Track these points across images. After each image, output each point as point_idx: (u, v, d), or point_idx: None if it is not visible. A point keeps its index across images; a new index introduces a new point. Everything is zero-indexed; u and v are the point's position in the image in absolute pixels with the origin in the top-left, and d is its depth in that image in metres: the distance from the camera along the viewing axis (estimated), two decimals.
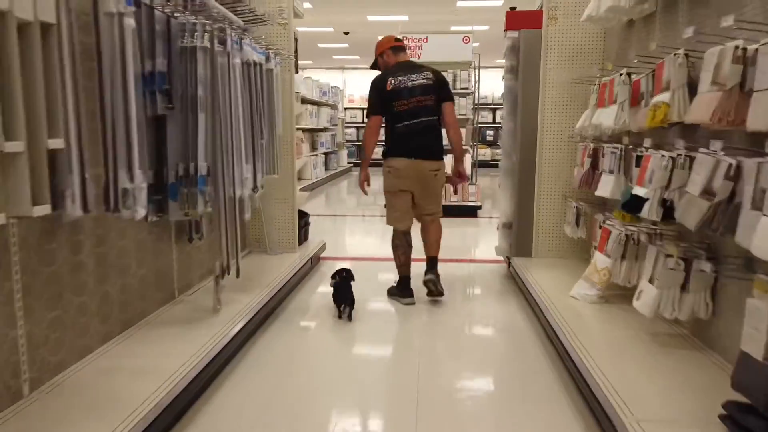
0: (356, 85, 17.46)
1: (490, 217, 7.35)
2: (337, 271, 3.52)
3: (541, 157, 3.99)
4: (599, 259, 3.03)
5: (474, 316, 3.65)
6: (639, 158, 2.60)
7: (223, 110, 2.76)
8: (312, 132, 10.89)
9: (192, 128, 2.59)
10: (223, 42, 2.76)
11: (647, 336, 2.58)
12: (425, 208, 3.62)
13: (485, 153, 14.46)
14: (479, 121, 12.01)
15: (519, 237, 4.12)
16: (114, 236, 2.46)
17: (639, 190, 2.46)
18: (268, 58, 3.53)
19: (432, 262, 3.66)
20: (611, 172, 3.12)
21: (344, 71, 18.45)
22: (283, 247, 4.22)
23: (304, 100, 10.03)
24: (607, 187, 3.13)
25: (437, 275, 3.65)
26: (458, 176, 3.79)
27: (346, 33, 14.58)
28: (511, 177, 4.17)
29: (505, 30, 4.07)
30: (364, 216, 7.90)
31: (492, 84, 15.31)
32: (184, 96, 2.57)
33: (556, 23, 3.83)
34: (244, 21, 3.43)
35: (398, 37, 3.74)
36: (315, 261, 4.58)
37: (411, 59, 3.75)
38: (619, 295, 3.08)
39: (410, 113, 3.47)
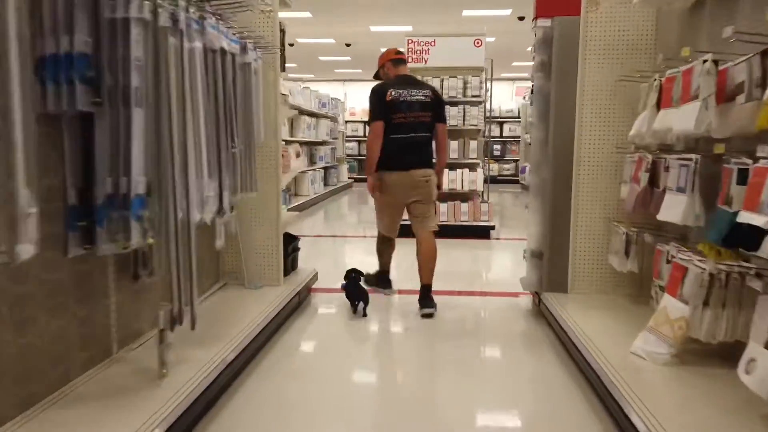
0: (358, 97, 16.87)
1: (497, 238, 6.62)
2: (347, 272, 3.72)
3: (579, 172, 3.28)
4: (672, 306, 2.30)
5: (498, 366, 2.91)
6: (743, 172, 1.89)
7: (175, 107, 2.06)
8: (310, 145, 10.24)
9: (124, 131, 1.89)
10: (175, 19, 2.08)
11: (761, 420, 1.84)
12: (420, 213, 3.70)
13: (492, 168, 13.81)
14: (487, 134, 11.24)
15: (552, 268, 3.39)
16: (5, 282, 1.75)
17: (750, 218, 1.74)
18: (244, 49, 2.85)
19: (426, 291, 3.64)
20: (681, 190, 2.41)
21: (345, 83, 17.91)
22: (265, 279, 3.49)
23: (302, 111, 9.41)
24: (675, 209, 2.42)
25: (434, 304, 3.59)
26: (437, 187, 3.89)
27: (348, 45, 14.13)
28: (542, 196, 3.45)
29: (535, 18, 3.38)
30: (365, 237, 7.17)
31: (499, 97, 14.70)
32: (114, 86, 1.88)
33: (597, 8, 3.15)
34: (215, 3, 2.75)
35: (400, 49, 3.84)
36: (305, 294, 3.86)
37: (412, 74, 3.82)
38: (697, 351, 2.34)
39: (407, 127, 3.54)
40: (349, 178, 13.52)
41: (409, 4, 9.96)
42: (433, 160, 3.74)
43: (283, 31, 3.51)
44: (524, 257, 3.64)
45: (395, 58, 3.72)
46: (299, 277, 3.82)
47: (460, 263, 5.40)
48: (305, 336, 3.31)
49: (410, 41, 6.48)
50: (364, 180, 3.85)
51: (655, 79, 2.67)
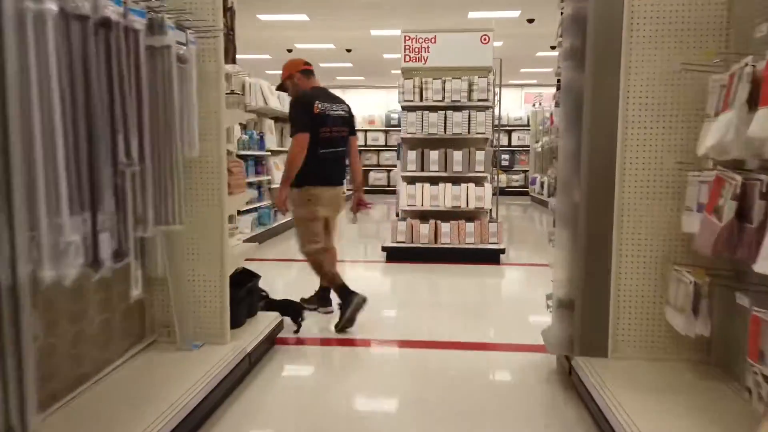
0: (358, 105, 16.13)
1: (509, 263, 5.76)
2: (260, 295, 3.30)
3: (623, 195, 2.43)
4: None
5: None
6: None
7: None
8: None
9: None
10: None
11: None
12: (333, 227, 3.71)
13: (500, 179, 13.00)
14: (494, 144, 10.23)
15: (586, 324, 2.53)
16: None
17: None
18: (160, 26, 2.04)
19: (326, 292, 3.78)
20: None
21: (345, 91, 17.16)
22: (205, 334, 2.65)
23: None
24: None
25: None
26: (361, 204, 3.85)
27: (349, 50, 13.47)
28: (572, 226, 2.59)
29: None
30: (368, 261, 6.31)
31: (507, 103, 13.89)
32: None
33: None
34: None
35: (307, 60, 3.71)
36: (263, 349, 3.01)
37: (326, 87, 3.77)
38: None
39: (331, 141, 3.51)
40: (348, 189, 12.66)
41: (410, 6, 9.23)
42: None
43: (230, 9, 2.70)
44: (548, 307, 2.78)
45: (306, 69, 3.61)
46: (257, 327, 2.97)
47: (465, 298, 4.54)
48: (256, 416, 2.46)
49: (407, 38, 5.68)
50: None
51: (746, 64, 1.83)
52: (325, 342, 3.38)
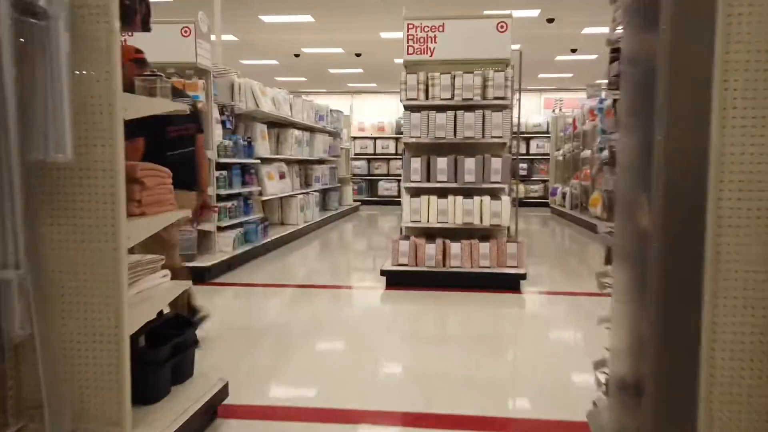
0: (367, 111, 15.43)
1: (535, 291, 4.87)
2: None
3: (721, 221, 1.57)
4: None
5: None
6: None
7: None
8: (304, 164, 8.69)
9: None
10: None
11: None
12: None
13: (519, 190, 12.17)
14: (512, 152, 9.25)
15: (662, 416, 1.65)
16: None
17: None
18: None
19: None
20: None
21: (354, 96, 16.47)
22: (94, 419, 1.83)
23: (292, 125, 7.89)
24: None
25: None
26: (205, 208, 3.58)
27: (358, 55, 12.82)
28: (637, 265, 1.72)
29: None
30: (361, 287, 5.49)
31: (526, 108, 13.04)
32: None
33: None
34: None
35: (139, 48, 3.14)
36: (197, 425, 2.19)
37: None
38: None
39: (179, 141, 3.21)
40: (354, 201, 11.89)
41: (421, 4, 8.45)
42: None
43: None
44: (599, 385, 1.90)
45: (139, 58, 3.07)
46: (187, 397, 2.14)
47: (477, 338, 3.66)
48: None
49: (411, 26, 4.88)
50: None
51: None
52: (288, 414, 2.52)
